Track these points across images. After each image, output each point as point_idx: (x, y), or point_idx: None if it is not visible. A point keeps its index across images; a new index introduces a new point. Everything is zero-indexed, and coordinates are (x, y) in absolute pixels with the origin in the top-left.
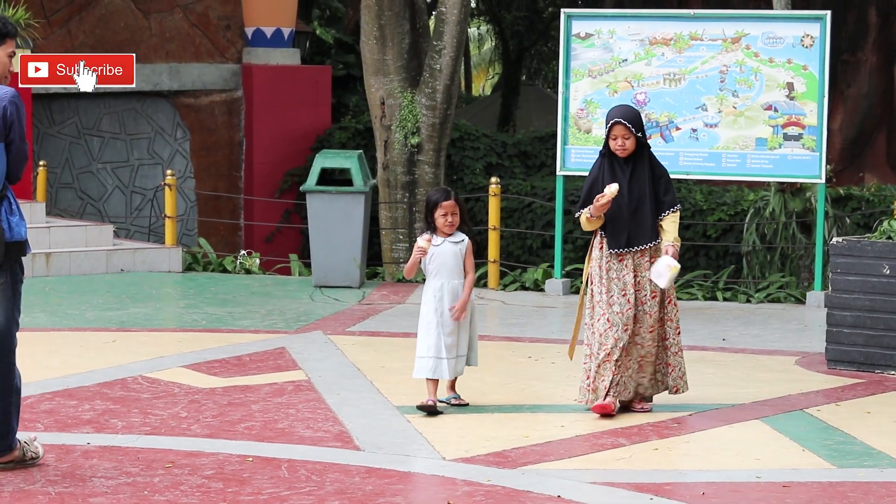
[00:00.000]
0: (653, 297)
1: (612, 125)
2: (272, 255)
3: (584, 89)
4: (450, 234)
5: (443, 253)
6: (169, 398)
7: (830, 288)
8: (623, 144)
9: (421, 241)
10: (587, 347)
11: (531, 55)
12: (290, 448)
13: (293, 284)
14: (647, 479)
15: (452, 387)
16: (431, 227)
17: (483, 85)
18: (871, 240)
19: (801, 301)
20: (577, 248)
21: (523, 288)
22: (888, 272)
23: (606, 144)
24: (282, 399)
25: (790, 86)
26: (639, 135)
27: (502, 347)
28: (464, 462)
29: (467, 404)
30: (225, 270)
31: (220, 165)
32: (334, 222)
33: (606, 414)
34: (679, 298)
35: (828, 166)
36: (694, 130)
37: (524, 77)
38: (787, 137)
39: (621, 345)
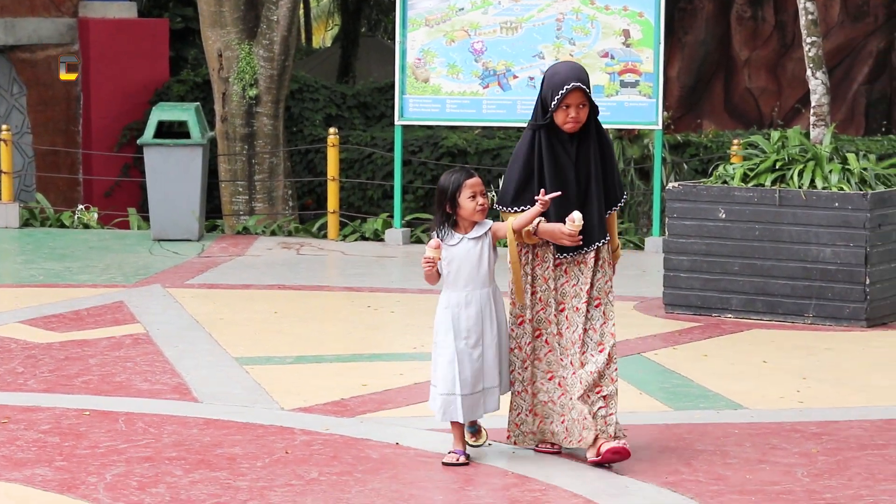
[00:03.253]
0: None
1: (569, 92)
2: (112, 210)
3: (420, 39)
4: (472, 228)
5: (459, 256)
6: (5, 354)
7: (667, 233)
8: (577, 117)
9: (428, 249)
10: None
11: (370, 6)
12: (127, 401)
13: (132, 238)
14: (484, 424)
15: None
16: (451, 221)
17: (323, 37)
18: (706, 184)
19: (639, 247)
20: (418, 198)
21: (363, 238)
22: (723, 216)
23: (545, 115)
24: (119, 353)
25: (626, 33)
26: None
27: (342, 298)
28: (302, 412)
29: (489, 444)
30: (63, 226)
31: (57, 120)
32: (172, 175)
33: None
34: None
35: (665, 113)
36: (531, 78)
37: (364, 28)
38: (623, 84)
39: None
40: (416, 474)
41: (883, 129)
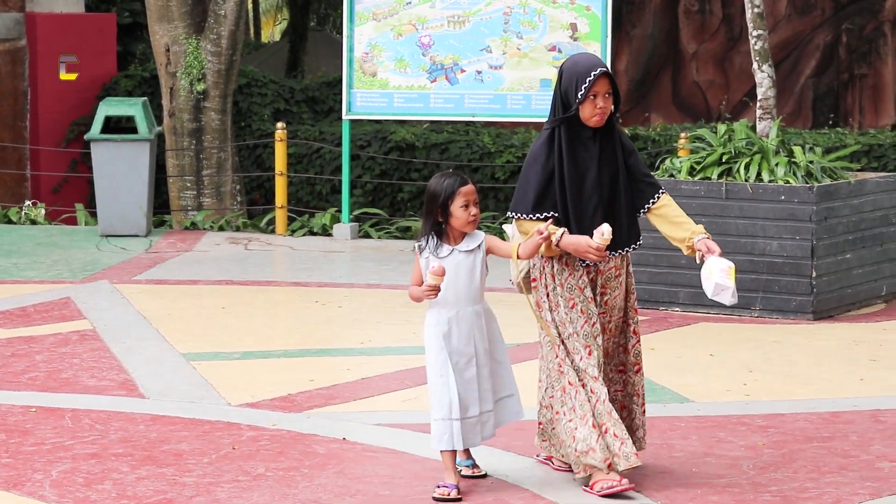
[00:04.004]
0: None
1: (597, 79)
2: (60, 206)
3: (368, 33)
4: (463, 239)
5: (450, 269)
6: None
7: None
8: (605, 107)
9: (432, 277)
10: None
11: (318, 0)
12: (74, 398)
13: (79, 234)
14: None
15: (468, 452)
16: (439, 230)
17: (272, 31)
18: None
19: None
20: (366, 192)
21: (311, 233)
22: None
23: (568, 109)
24: (66, 349)
25: (574, 26)
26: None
27: (290, 293)
28: (249, 407)
29: (484, 475)
30: (10, 221)
31: (4, 116)
32: (119, 170)
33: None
34: None
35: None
36: (479, 72)
37: (313, 22)
38: None
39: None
40: (363, 469)
41: (830, 123)
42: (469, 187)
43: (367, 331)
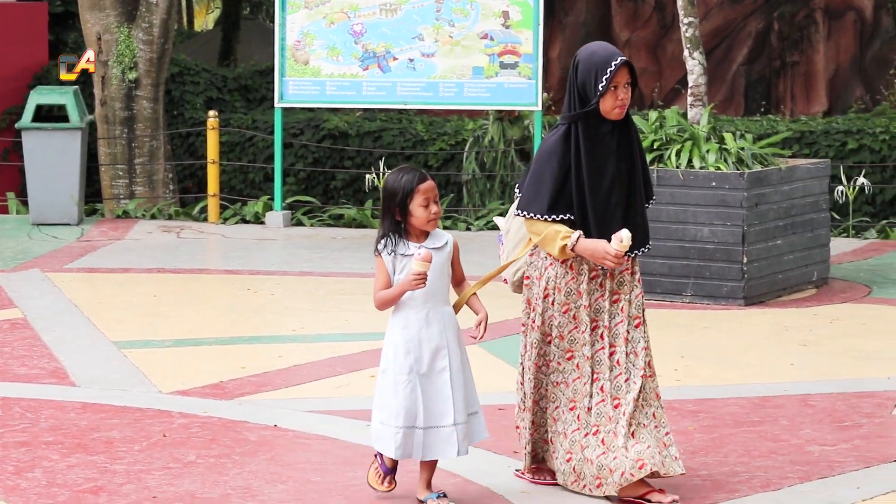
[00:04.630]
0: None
1: (618, 68)
2: None
3: (300, 21)
4: (426, 237)
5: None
6: None
7: None
8: (626, 99)
9: (417, 263)
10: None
11: None
12: (4, 386)
13: (10, 223)
14: (364, 406)
15: (429, 483)
16: (401, 230)
17: (205, 20)
18: None
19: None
20: (299, 181)
21: (244, 221)
22: None
23: (583, 104)
24: None
25: (506, 14)
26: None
27: (222, 281)
28: (180, 395)
29: None
30: None
31: None
32: (51, 159)
33: None
34: None
35: (545, 94)
36: (411, 60)
37: (246, 11)
38: (503, 66)
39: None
40: (295, 456)
41: (762, 110)
42: (429, 184)
43: (299, 318)
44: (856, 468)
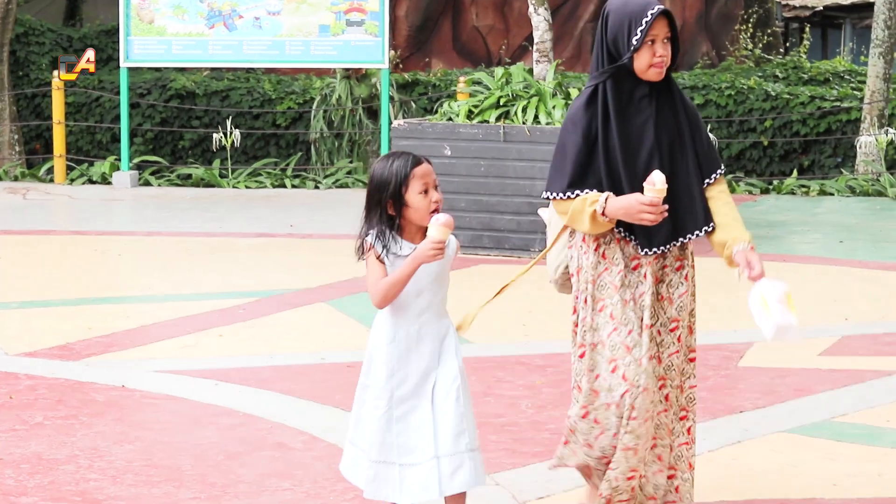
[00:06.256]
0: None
1: (655, 18)
2: None
3: None
4: (421, 235)
5: (417, 272)
6: None
7: None
8: (665, 56)
9: (438, 230)
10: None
11: None
12: None
13: None
14: (212, 366)
15: None
16: (394, 224)
17: None
18: (431, 121)
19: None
20: (147, 141)
21: (91, 182)
22: (449, 153)
23: (613, 60)
24: None
25: None
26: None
27: (69, 241)
28: (27, 356)
29: None
30: None
31: None
32: None
33: None
34: (247, 187)
35: (392, 52)
36: (257, 18)
37: None
38: (349, 23)
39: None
40: (143, 416)
41: None
42: (425, 167)
43: (147, 278)
44: (703, 420)
